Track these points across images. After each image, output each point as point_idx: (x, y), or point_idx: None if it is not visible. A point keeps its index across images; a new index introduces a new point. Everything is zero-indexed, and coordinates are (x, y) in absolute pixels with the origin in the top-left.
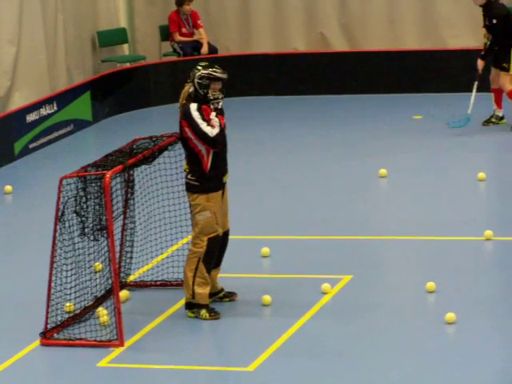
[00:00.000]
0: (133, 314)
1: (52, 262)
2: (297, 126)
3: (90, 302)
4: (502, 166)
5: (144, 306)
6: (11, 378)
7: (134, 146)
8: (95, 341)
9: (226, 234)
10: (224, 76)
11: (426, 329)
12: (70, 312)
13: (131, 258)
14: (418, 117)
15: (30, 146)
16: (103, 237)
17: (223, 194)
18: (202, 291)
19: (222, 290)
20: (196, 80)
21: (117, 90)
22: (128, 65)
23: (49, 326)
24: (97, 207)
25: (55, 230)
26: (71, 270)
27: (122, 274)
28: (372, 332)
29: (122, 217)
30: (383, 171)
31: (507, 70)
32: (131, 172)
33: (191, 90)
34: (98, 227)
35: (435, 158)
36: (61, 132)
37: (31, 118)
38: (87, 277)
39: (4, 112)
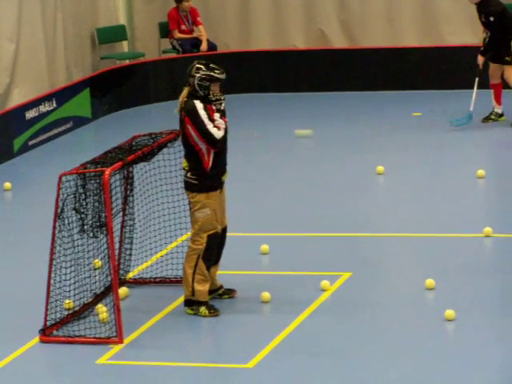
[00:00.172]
0: (132, 311)
1: (51, 259)
2: (296, 123)
3: (90, 299)
4: (501, 163)
5: (143, 303)
6: (11, 374)
7: (134, 143)
8: (94, 338)
9: (224, 230)
10: (223, 76)
11: (425, 326)
12: (69, 309)
13: (130, 254)
14: (417, 114)
15: (30, 143)
16: (102, 234)
17: (221, 191)
18: (202, 288)
19: (221, 286)
20: (196, 81)
21: (116, 87)
22: (127, 62)
23: (48, 323)
24: (96, 204)
25: (54, 227)
26: (70, 266)
27: (121, 271)
28: (371, 329)
29: (121, 214)
30: (380, 168)
31: (510, 63)
32: (130, 169)
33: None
34: (98, 224)
35: (434, 154)
36: (60, 129)
37: (30, 115)
38: (86, 274)
39: (3, 109)
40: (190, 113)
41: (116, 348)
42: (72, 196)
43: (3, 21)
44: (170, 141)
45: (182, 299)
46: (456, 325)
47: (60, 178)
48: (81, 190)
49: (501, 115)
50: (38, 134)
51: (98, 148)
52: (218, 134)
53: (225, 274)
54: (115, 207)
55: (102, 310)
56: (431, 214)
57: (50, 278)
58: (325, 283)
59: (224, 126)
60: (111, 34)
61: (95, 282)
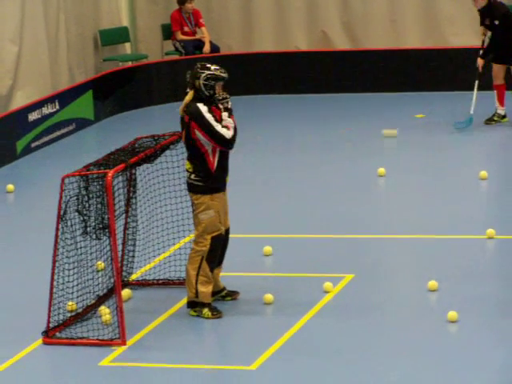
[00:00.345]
0: (135, 312)
1: (54, 261)
2: (298, 125)
3: (92, 301)
4: (503, 164)
5: (146, 304)
6: (13, 376)
7: (136, 145)
8: (97, 340)
9: (227, 232)
10: (227, 76)
11: (428, 327)
12: (72, 311)
13: (133, 256)
14: (419, 115)
15: (32, 144)
16: (105, 236)
17: (224, 192)
18: (205, 290)
19: (224, 288)
20: (202, 81)
21: (119, 88)
22: (130, 64)
23: (51, 325)
24: (99, 206)
25: (57, 229)
26: (73, 268)
27: (124, 273)
28: (374, 331)
29: (124, 215)
30: (382, 170)
31: None
32: (133, 171)
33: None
34: (100, 226)
35: (437, 156)
36: (63, 131)
37: (33, 116)
38: (89, 276)
39: (6, 111)
40: (195, 117)
41: (119, 350)
42: (75, 198)
43: (6, 22)
44: (173, 143)
45: (184, 301)
46: (458, 326)
47: (63, 179)
48: (84, 192)
49: (503, 116)
50: (41, 135)
51: (101, 150)
52: (227, 133)
53: (228, 275)
54: (118, 209)
55: (104, 311)
56: (434, 215)
57: (52, 279)
58: (328, 285)
59: (233, 125)
60: (114, 36)
61: (98, 284)
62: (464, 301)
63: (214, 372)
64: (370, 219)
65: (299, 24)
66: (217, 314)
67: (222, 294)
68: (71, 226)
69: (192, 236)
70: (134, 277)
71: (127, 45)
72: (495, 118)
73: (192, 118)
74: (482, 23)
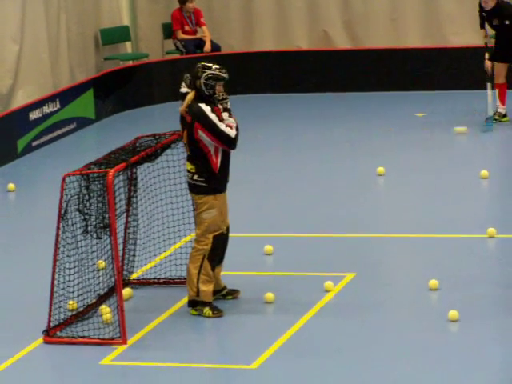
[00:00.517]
0: (136, 311)
1: (55, 260)
2: (299, 124)
3: (93, 300)
4: (504, 163)
5: (147, 303)
6: (14, 375)
7: (137, 144)
8: (98, 339)
9: (227, 230)
10: (227, 76)
11: (428, 326)
12: (72, 310)
13: (134, 255)
14: (420, 114)
15: (33, 143)
16: (106, 235)
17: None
18: (206, 289)
19: (224, 287)
20: (203, 81)
21: (119, 87)
22: (131, 63)
23: (52, 324)
24: (100, 205)
25: (58, 228)
26: (74, 267)
27: (124, 272)
28: (375, 330)
29: (124, 215)
30: (381, 169)
31: None
32: (134, 170)
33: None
34: (101, 225)
35: (438, 155)
36: (64, 130)
37: (34, 115)
38: (90, 275)
39: (7, 110)
40: (198, 117)
41: (120, 349)
42: (76, 197)
43: (7, 22)
44: (174, 142)
45: (185, 300)
46: (459, 325)
47: (64, 178)
48: (84, 191)
49: (504, 115)
50: (42, 134)
51: (102, 149)
52: (231, 132)
53: (228, 274)
54: (119, 208)
55: (105, 310)
56: (435, 214)
57: (53, 278)
58: (328, 284)
59: (235, 124)
60: (115, 35)
61: (99, 283)
62: (465, 300)
63: (214, 371)
64: (371, 218)
65: (300, 23)
66: (217, 313)
67: (223, 293)
68: (72, 225)
69: (193, 235)
70: (134, 276)
71: (128, 44)
72: (496, 117)
73: (195, 118)
74: (490, 24)
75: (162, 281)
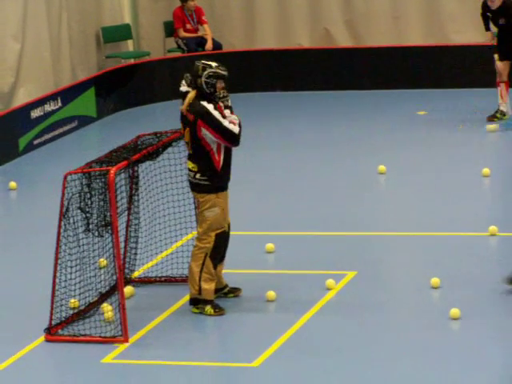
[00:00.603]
0: (137, 310)
1: (56, 258)
2: (301, 122)
3: (95, 298)
4: (506, 161)
5: (148, 301)
6: (16, 374)
7: (139, 142)
8: (100, 337)
9: (228, 227)
10: (227, 73)
11: (430, 325)
12: (74, 308)
13: (136, 253)
14: (422, 112)
15: (35, 142)
16: (108, 233)
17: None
18: (208, 287)
19: (226, 285)
20: (203, 79)
21: (121, 86)
22: (132, 61)
23: (53, 322)
24: (101, 203)
25: (60, 226)
26: (76, 266)
27: (126, 270)
28: (376, 328)
29: (126, 213)
30: (382, 167)
31: None
32: (135, 168)
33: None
34: (103, 223)
35: (439, 153)
36: (65, 128)
37: (35, 114)
38: (92, 273)
39: (8, 108)
40: (201, 115)
41: (121, 347)
42: (77, 195)
43: (8, 20)
44: (175, 140)
45: (187, 298)
46: (461, 323)
47: (65, 177)
48: (86, 189)
49: (505, 114)
50: (43, 133)
51: (103, 147)
52: (235, 129)
53: (230, 272)
54: (120, 206)
55: (107, 309)
56: (436, 212)
57: (55, 277)
58: (330, 282)
59: (238, 121)
60: (116, 33)
61: (100, 281)
62: (466, 298)
63: (215, 369)
64: (373, 217)
65: (302, 21)
66: (219, 311)
67: (225, 291)
68: (73, 223)
69: (194, 233)
70: (136, 274)
71: (129, 42)
72: (498, 115)
73: (198, 115)
74: (495, 23)
75: (163, 279)
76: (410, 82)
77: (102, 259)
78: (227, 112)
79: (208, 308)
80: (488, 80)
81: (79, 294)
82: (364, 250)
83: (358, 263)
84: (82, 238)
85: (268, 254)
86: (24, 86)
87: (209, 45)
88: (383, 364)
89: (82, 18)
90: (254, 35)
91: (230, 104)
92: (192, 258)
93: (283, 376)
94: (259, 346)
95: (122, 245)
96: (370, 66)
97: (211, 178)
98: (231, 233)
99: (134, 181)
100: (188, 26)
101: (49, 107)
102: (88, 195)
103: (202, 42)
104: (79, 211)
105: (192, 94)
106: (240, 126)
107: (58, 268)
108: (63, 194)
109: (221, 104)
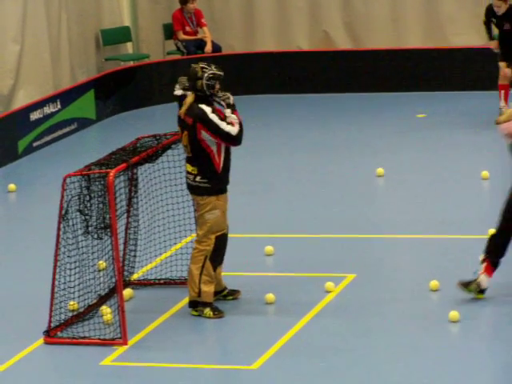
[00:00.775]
0: (136, 312)
1: (56, 261)
2: (300, 125)
3: (94, 301)
4: (505, 164)
5: (148, 304)
6: (15, 376)
7: (138, 145)
8: (99, 339)
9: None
10: (223, 73)
11: (429, 327)
12: (73, 310)
13: (135, 256)
14: (421, 115)
15: (34, 144)
16: (107, 235)
17: None
18: (208, 289)
19: (225, 288)
20: (205, 81)
21: (120, 88)
22: (132, 63)
23: (52, 325)
24: (100, 205)
25: (59, 229)
26: (75, 268)
27: (125, 273)
28: (376, 330)
29: (125, 215)
30: (380, 170)
31: None
32: (135, 170)
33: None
34: (102, 225)
35: (439, 156)
36: (65, 130)
37: (35, 116)
38: (91, 275)
39: (8, 110)
40: (200, 118)
41: (120, 349)
42: (76, 197)
43: (7, 22)
44: (175, 142)
45: (186, 301)
46: (460, 326)
47: (64, 179)
48: (85, 192)
49: None
50: (43, 135)
51: (103, 149)
52: (233, 130)
53: (229, 275)
54: (119, 209)
55: (106, 311)
56: (436, 215)
57: (54, 279)
58: (329, 285)
59: (237, 121)
60: (116, 36)
61: (100, 284)
62: (466, 301)
63: (215, 372)
64: (372, 219)
65: (301, 24)
66: (218, 313)
67: (224, 294)
68: (73, 225)
69: (194, 235)
70: (135, 276)
71: (129, 44)
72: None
73: (197, 119)
74: (499, 28)
75: (162, 281)
76: (409, 84)
77: (101, 261)
78: (228, 111)
79: (207, 311)
80: (488, 82)
81: (78, 297)
82: (363, 253)
83: (357, 266)
84: (82, 241)
85: (267, 256)
86: (23, 88)
87: (208, 47)
88: (382, 366)
89: (82, 20)
90: (253, 38)
91: (231, 102)
92: (192, 261)
93: (282, 378)
94: (258, 349)
95: (121, 247)
96: (370, 68)
97: (211, 180)
98: (230, 235)
99: (133, 183)
100: (187, 29)
101: (48, 109)
102: (87, 197)
103: (201, 44)
104: (78, 213)
105: (190, 97)
106: (241, 124)
107: (58, 270)
108: (62, 197)
109: (222, 103)
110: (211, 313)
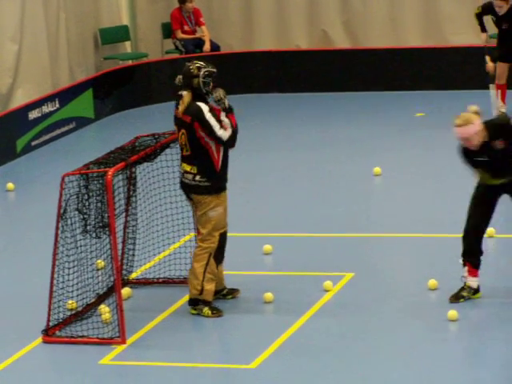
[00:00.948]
0: (135, 311)
1: (54, 260)
2: (299, 124)
3: (92, 300)
4: None
5: (146, 303)
6: (13, 375)
7: (137, 144)
8: (97, 338)
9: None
10: (216, 70)
11: (428, 326)
12: (72, 309)
13: (133, 255)
14: (420, 114)
15: (33, 143)
16: (105, 234)
17: None
18: (210, 287)
19: (225, 287)
20: (201, 80)
21: (119, 87)
22: (130, 62)
23: (51, 324)
24: (99, 204)
25: (57, 228)
26: (73, 267)
27: (124, 272)
28: (374, 329)
29: (124, 214)
30: (377, 169)
31: None
32: (133, 169)
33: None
34: (100, 224)
35: (437, 155)
36: (63, 129)
37: (33, 115)
38: (89, 274)
39: (6, 109)
40: (198, 118)
41: (119, 348)
42: (75, 196)
43: (6, 21)
44: (173, 141)
45: (184, 299)
46: (459, 325)
47: (63, 178)
48: (84, 191)
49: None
50: (41, 134)
51: (101, 148)
52: (224, 135)
53: (228, 274)
54: (118, 208)
55: (104, 310)
56: (434, 214)
57: (52, 278)
58: (327, 284)
59: (230, 125)
60: (114, 35)
61: (98, 283)
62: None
63: (213, 371)
64: (371, 218)
65: (299, 23)
66: (217, 312)
67: (223, 293)
68: (71, 224)
69: (192, 234)
70: (134, 275)
71: (127, 43)
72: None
73: (194, 118)
74: (498, 27)
75: (161, 280)
76: (408, 83)
77: (99, 260)
78: (222, 115)
79: (206, 310)
80: (486, 82)
81: (77, 296)
82: (362, 252)
83: (355, 265)
84: (80, 240)
85: (266, 255)
86: (22, 87)
87: (207, 46)
88: (381, 365)
89: (80, 19)
90: (251, 37)
91: (226, 106)
92: (194, 259)
93: (281, 377)
94: (257, 348)
95: (119, 246)
96: (368, 67)
97: (211, 178)
98: (229, 234)
99: (131, 182)
100: (186, 28)
101: (47, 108)
102: (86, 196)
103: (199, 43)
104: (77, 212)
105: (187, 96)
106: (234, 129)
107: (56, 269)
108: (61, 196)
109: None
110: (210, 312)
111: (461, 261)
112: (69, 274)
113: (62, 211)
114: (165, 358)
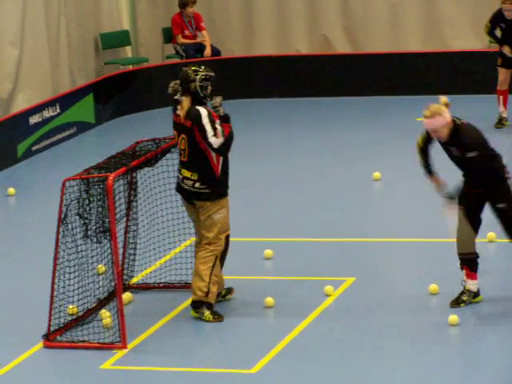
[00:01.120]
0: (136, 316)
1: (55, 265)
2: (299, 128)
3: (93, 305)
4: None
5: (147, 308)
6: (14, 380)
7: (137, 149)
8: (98, 343)
9: None
10: (214, 74)
11: (429, 331)
12: (73, 314)
13: (134, 260)
14: (420, 119)
15: (33, 148)
16: (106, 239)
17: None
18: (215, 290)
19: (222, 289)
20: (198, 84)
21: (120, 92)
22: (131, 67)
23: (52, 329)
24: (100, 209)
25: (58, 233)
26: (74, 272)
27: (124, 277)
28: (375, 334)
29: (124, 219)
30: (377, 174)
31: None
32: (134, 174)
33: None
34: (101, 229)
35: (436, 159)
36: (64, 134)
37: (34, 120)
38: (90, 279)
39: (7, 114)
40: (196, 121)
41: (120, 353)
42: (76, 201)
43: (6, 26)
44: (174, 146)
45: (185, 304)
46: (459, 330)
47: (64, 183)
48: (84, 196)
49: (506, 120)
50: (42, 139)
51: (102, 153)
52: (215, 142)
53: (229, 279)
54: (119, 212)
55: (105, 315)
56: (435, 218)
57: (53, 283)
58: (328, 288)
59: (222, 134)
60: (115, 39)
61: (99, 288)
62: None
63: (214, 375)
64: (372, 222)
65: (300, 27)
66: (218, 317)
67: (222, 294)
68: (72, 229)
69: (193, 239)
70: (134, 280)
71: (128, 48)
72: (504, 122)
73: (194, 122)
74: (507, 34)
75: (161, 285)
76: (408, 88)
77: (100, 265)
78: (217, 122)
79: (207, 314)
80: (487, 86)
81: (78, 301)
82: (362, 256)
83: (356, 269)
84: (81, 244)
85: (266, 260)
86: (22, 92)
87: (207, 51)
88: (382, 370)
89: (81, 24)
90: (252, 41)
91: (221, 114)
92: (200, 262)
93: (282, 382)
94: (258, 352)
95: (120, 251)
96: (369, 72)
97: (211, 185)
98: (230, 239)
99: (132, 187)
100: (186, 33)
101: (47, 113)
102: (86, 201)
103: (200, 48)
104: (78, 217)
105: (187, 101)
106: (227, 137)
107: (57, 274)
108: (62, 200)
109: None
110: (211, 317)
111: (458, 265)
112: (70, 279)
113: (62, 216)
114: (166, 363)
